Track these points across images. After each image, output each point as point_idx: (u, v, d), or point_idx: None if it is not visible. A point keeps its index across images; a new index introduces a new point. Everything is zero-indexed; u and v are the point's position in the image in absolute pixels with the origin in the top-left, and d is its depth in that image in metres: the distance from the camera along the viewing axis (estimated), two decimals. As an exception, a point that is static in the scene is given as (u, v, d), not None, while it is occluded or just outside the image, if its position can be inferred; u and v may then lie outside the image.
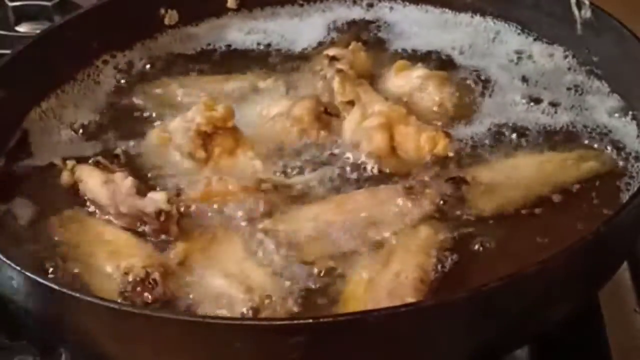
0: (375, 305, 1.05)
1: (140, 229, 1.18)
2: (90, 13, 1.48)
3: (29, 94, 1.38)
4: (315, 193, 1.22)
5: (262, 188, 1.22)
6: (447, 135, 1.26)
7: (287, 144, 1.29)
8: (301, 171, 1.25)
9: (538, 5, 1.47)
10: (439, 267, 1.12)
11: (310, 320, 0.99)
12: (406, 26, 1.53)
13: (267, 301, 1.08)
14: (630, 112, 1.31)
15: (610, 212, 1.13)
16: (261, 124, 1.33)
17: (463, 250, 1.14)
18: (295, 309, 1.08)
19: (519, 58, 1.44)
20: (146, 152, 1.31)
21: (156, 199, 1.18)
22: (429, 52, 1.47)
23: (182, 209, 1.19)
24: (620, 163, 1.25)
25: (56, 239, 1.19)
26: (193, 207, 1.20)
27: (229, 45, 1.53)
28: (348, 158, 1.26)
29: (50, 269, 1.15)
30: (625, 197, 1.19)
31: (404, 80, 1.38)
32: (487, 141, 1.29)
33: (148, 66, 1.48)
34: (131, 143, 1.33)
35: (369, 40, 1.50)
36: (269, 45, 1.52)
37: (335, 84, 1.32)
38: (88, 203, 1.23)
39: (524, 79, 1.40)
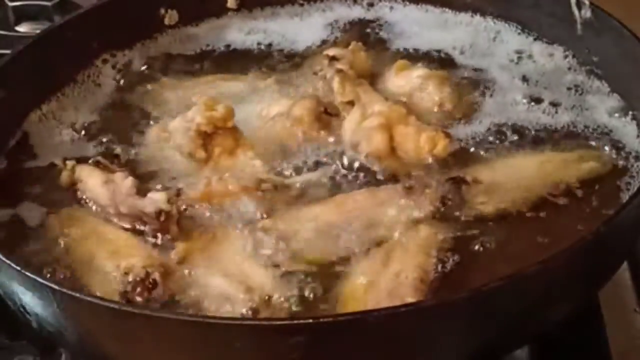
0: (375, 305, 1.05)
1: (140, 229, 1.18)
2: (90, 13, 1.48)
3: (29, 93, 1.38)
4: (315, 193, 1.22)
5: (262, 188, 1.22)
6: (447, 135, 1.26)
7: (287, 144, 1.29)
8: (301, 171, 1.25)
9: (538, 5, 1.47)
10: (439, 267, 1.12)
11: (310, 320, 0.99)
12: (406, 26, 1.53)
13: (267, 301, 1.08)
14: (630, 112, 1.31)
15: (610, 212, 1.13)
16: (261, 124, 1.33)
17: (463, 250, 1.14)
18: (295, 309, 1.08)
19: (519, 58, 1.44)
20: (146, 152, 1.31)
21: (156, 199, 1.18)
22: (429, 52, 1.47)
23: (182, 209, 1.19)
24: (620, 163, 1.24)
25: (56, 238, 1.19)
26: (193, 207, 1.20)
27: (229, 46, 1.53)
28: (348, 158, 1.26)
29: (50, 269, 1.15)
30: (625, 197, 1.19)
31: (404, 80, 1.38)
32: (487, 141, 1.29)
33: (148, 66, 1.48)
34: (131, 143, 1.33)
35: (369, 40, 1.50)
36: (269, 45, 1.52)
37: (335, 84, 1.32)
38: (88, 203, 1.23)
39: (524, 79, 1.40)
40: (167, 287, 1.11)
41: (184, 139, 1.27)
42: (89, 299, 1.03)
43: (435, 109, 1.34)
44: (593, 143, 1.28)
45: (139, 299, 1.10)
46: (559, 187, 1.21)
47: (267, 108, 1.35)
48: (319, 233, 1.16)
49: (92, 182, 1.23)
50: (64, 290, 1.03)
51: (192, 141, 1.27)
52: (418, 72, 1.38)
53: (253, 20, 1.57)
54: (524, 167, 1.24)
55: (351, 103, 1.31)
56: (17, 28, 1.80)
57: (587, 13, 1.40)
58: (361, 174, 1.24)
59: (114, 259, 1.14)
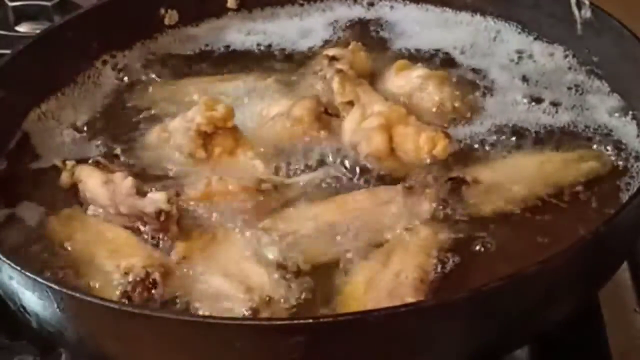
0: (375, 305, 1.05)
1: (140, 229, 1.18)
2: (90, 13, 1.48)
3: (29, 93, 1.38)
4: (315, 193, 1.22)
5: (262, 188, 1.21)
6: (447, 135, 1.26)
7: (287, 144, 1.29)
8: (301, 171, 1.25)
9: (538, 5, 1.47)
10: (439, 267, 1.12)
11: (310, 320, 0.99)
12: (407, 25, 1.53)
13: (267, 301, 1.08)
14: (630, 112, 1.31)
15: (610, 212, 1.13)
16: (261, 124, 1.33)
17: (463, 250, 1.14)
18: (295, 309, 1.08)
19: (520, 57, 1.44)
20: (146, 152, 1.31)
21: (156, 199, 1.18)
22: (430, 52, 1.47)
23: (182, 209, 1.19)
24: (621, 163, 1.24)
25: (56, 239, 1.19)
26: (193, 207, 1.20)
27: (228, 46, 1.52)
28: (348, 158, 1.26)
29: (50, 269, 1.15)
30: (625, 197, 1.19)
31: (404, 80, 1.37)
32: (487, 141, 1.29)
33: (148, 66, 1.48)
34: (131, 143, 1.33)
35: (369, 40, 1.50)
36: (269, 46, 1.52)
37: (335, 84, 1.32)
38: (88, 203, 1.23)
39: (525, 79, 1.40)
40: (167, 287, 1.11)
41: (184, 139, 1.27)
42: (89, 299, 1.03)
43: (435, 109, 1.34)
44: (593, 143, 1.28)
45: (138, 299, 1.10)
46: (559, 187, 1.21)
47: (267, 108, 1.35)
48: (319, 233, 1.16)
49: (92, 182, 1.23)
50: (64, 290, 1.03)
51: (192, 141, 1.27)
52: (418, 72, 1.38)
53: (252, 21, 1.57)
54: (524, 167, 1.24)
55: (351, 103, 1.31)
56: (17, 28, 1.80)
57: (587, 13, 1.40)
58: (361, 174, 1.24)
59: (114, 259, 1.14)
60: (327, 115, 1.31)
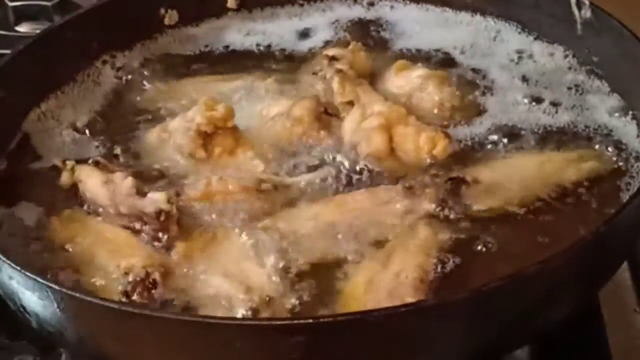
0: (375, 305, 1.05)
1: (140, 229, 1.18)
2: (90, 13, 1.48)
3: (29, 93, 1.38)
4: (315, 193, 1.22)
5: (262, 188, 1.22)
6: (447, 135, 1.26)
7: (287, 144, 1.29)
8: (301, 171, 1.25)
9: (538, 5, 1.47)
10: (439, 267, 1.12)
11: (310, 320, 0.99)
12: (407, 25, 1.53)
13: (267, 301, 1.08)
14: (630, 112, 1.31)
15: (610, 212, 1.13)
16: (261, 124, 1.33)
17: (463, 250, 1.14)
18: (295, 309, 1.08)
19: (520, 57, 1.44)
20: (146, 152, 1.31)
21: (156, 199, 1.18)
22: (430, 51, 1.47)
23: (182, 209, 1.19)
24: (621, 163, 1.24)
25: (56, 239, 1.19)
26: (193, 207, 1.20)
27: (227, 46, 1.52)
28: (348, 158, 1.26)
29: (50, 269, 1.15)
30: (625, 197, 1.19)
31: (404, 80, 1.37)
32: (487, 141, 1.29)
33: (147, 66, 1.48)
34: (131, 143, 1.33)
35: (369, 40, 1.50)
36: (268, 46, 1.52)
37: (335, 84, 1.32)
38: (88, 203, 1.23)
39: (525, 79, 1.40)
40: (167, 287, 1.11)
41: (184, 139, 1.28)
42: (89, 299, 1.03)
43: (435, 109, 1.34)
44: (593, 143, 1.28)
45: (139, 299, 1.10)
46: (559, 187, 1.21)
47: (267, 108, 1.35)
48: (319, 233, 1.16)
49: (92, 182, 1.23)
50: (64, 290, 1.03)
51: (192, 141, 1.27)
52: (418, 72, 1.38)
53: (252, 21, 1.56)
54: (524, 167, 1.24)
55: (351, 103, 1.31)
56: (17, 28, 1.80)
57: (587, 13, 1.40)
58: (361, 174, 1.24)
59: (114, 259, 1.14)
60: (327, 115, 1.31)
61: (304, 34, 1.53)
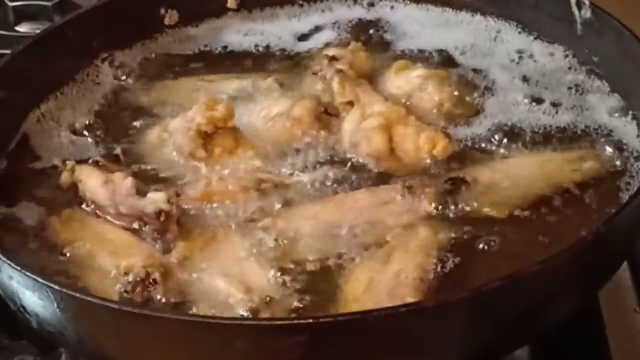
0: (375, 305, 1.04)
1: (140, 229, 1.18)
2: (90, 13, 1.48)
3: (29, 93, 1.38)
4: (315, 193, 1.22)
5: (262, 188, 1.22)
6: (447, 135, 1.26)
7: (287, 144, 1.29)
8: (301, 171, 1.25)
9: (538, 5, 1.47)
10: (439, 267, 1.12)
11: (310, 320, 0.99)
12: (407, 25, 1.53)
13: (267, 301, 1.08)
14: (631, 112, 1.31)
15: (610, 212, 1.13)
16: (261, 124, 1.33)
17: (463, 250, 1.14)
18: (295, 309, 1.08)
19: (520, 57, 1.44)
20: (146, 152, 1.31)
21: (156, 199, 1.17)
22: (430, 52, 1.47)
23: (182, 209, 1.19)
24: (621, 163, 1.24)
25: (56, 238, 1.19)
26: (193, 207, 1.20)
27: (227, 47, 1.52)
28: (348, 158, 1.26)
29: (50, 269, 1.14)
30: (625, 196, 1.19)
31: (403, 80, 1.37)
32: (487, 141, 1.29)
33: (147, 66, 1.48)
34: (131, 143, 1.33)
35: (369, 40, 1.50)
36: (268, 46, 1.51)
37: (335, 84, 1.32)
38: (88, 203, 1.23)
39: (525, 79, 1.40)
40: (167, 287, 1.11)
41: (184, 139, 1.27)
42: (89, 299, 1.03)
43: (435, 109, 1.34)
44: (593, 143, 1.28)
45: (139, 299, 1.10)
46: (559, 187, 1.21)
47: (267, 108, 1.35)
48: (319, 233, 1.16)
49: (92, 182, 1.23)
50: (64, 290, 1.03)
51: (192, 141, 1.27)
52: (418, 72, 1.38)
53: (252, 21, 1.56)
54: (524, 167, 1.24)
55: (351, 103, 1.31)
56: (17, 28, 1.80)
57: (587, 13, 1.40)
58: (361, 174, 1.24)
59: (114, 259, 1.14)
60: (327, 115, 1.32)
61: (304, 35, 1.53)
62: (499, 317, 1.03)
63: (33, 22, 1.79)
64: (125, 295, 1.10)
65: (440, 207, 1.18)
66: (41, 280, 1.04)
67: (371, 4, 1.58)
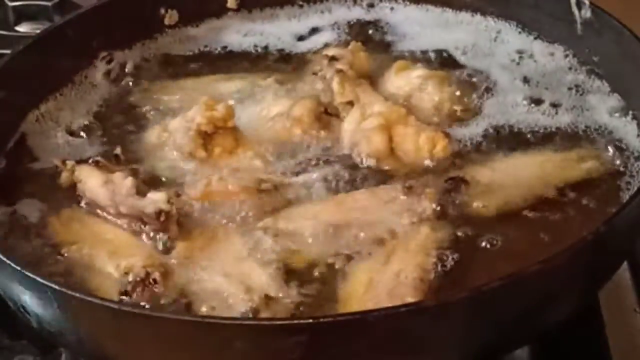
0: (375, 305, 1.04)
1: (140, 229, 1.18)
2: (90, 13, 1.48)
3: (28, 93, 1.37)
4: (315, 193, 1.22)
5: (262, 188, 1.21)
6: (447, 135, 1.26)
7: (287, 144, 1.29)
8: (301, 171, 1.25)
9: (538, 5, 1.47)
10: (439, 266, 1.12)
11: (311, 320, 0.99)
12: (407, 26, 1.53)
13: (267, 301, 1.08)
14: (631, 112, 1.31)
15: (610, 212, 1.13)
16: (261, 124, 1.33)
17: (463, 250, 1.14)
18: (295, 309, 1.08)
19: (520, 57, 1.44)
20: (146, 152, 1.31)
21: (156, 199, 1.17)
22: (430, 52, 1.47)
23: (182, 209, 1.19)
24: (620, 163, 1.24)
25: (56, 239, 1.19)
26: (193, 207, 1.20)
27: (227, 47, 1.52)
28: (348, 158, 1.26)
29: (50, 269, 1.14)
30: (625, 196, 1.19)
31: (403, 80, 1.37)
32: (487, 141, 1.29)
33: (147, 66, 1.48)
34: (131, 143, 1.33)
35: (369, 40, 1.50)
36: (268, 47, 1.51)
37: (335, 84, 1.32)
38: (88, 203, 1.23)
39: (525, 79, 1.40)
40: (167, 287, 1.11)
41: (184, 139, 1.27)
42: (89, 299, 1.03)
43: (435, 110, 1.34)
44: (593, 143, 1.28)
45: (139, 299, 1.10)
46: (559, 187, 1.21)
47: (267, 108, 1.35)
48: (319, 232, 1.16)
49: (91, 182, 1.23)
50: (64, 290, 1.03)
51: (192, 141, 1.27)
52: (418, 72, 1.38)
53: (252, 21, 1.56)
54: (524, 167, 1.24)
55: (351, 103, 1.31)
56: (17, 28, 1.80)
57: (587, 13, 1.40)
58: (361, 174, 1.24)
59: (114, 259, 1.14)
60: (327, 115, 1.32)
61: (304, 35, 1.53)
62: (499, 317, 1.03)
63: (33, 22, 1.79)
64: (125, 295, 1.10)
65: (440, 206, 1.18)
66: (41, 280, 1.04)
67: (371, 5, 1.58)
